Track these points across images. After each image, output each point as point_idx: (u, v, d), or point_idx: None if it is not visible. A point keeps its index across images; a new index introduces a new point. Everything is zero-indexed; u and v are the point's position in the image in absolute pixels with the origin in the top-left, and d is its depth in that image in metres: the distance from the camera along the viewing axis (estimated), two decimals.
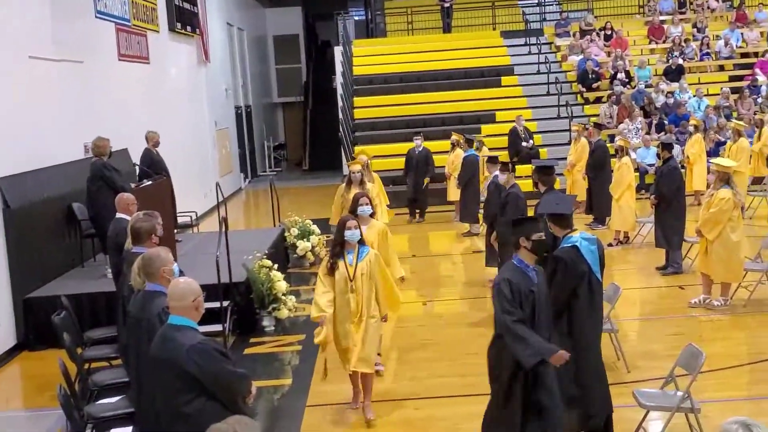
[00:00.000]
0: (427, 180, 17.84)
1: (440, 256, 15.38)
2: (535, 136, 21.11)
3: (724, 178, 10.41)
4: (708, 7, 27.14)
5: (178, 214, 13.82)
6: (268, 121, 32.07)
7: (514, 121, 20.73)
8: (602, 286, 6.79)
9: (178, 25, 18.77)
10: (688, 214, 12.89)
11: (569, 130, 19.37)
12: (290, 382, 9.11)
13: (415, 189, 18.08)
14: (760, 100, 21.71)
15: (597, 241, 6.70)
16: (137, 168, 13.58)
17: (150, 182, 11.99)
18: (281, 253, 13.78)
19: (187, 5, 19.61)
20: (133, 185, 11.29)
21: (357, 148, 12.13)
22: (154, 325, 5.40)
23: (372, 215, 8.80)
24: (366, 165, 12.20)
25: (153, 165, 13.30)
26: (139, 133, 13.89)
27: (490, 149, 17.50)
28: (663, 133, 20.24)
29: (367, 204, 8.50)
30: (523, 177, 15.51)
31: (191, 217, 15.25)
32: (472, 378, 8.79)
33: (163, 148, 14.08)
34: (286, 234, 14.29)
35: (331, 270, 7.66)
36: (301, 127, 32.30)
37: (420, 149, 17.99)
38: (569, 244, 6.56)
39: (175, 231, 12.84)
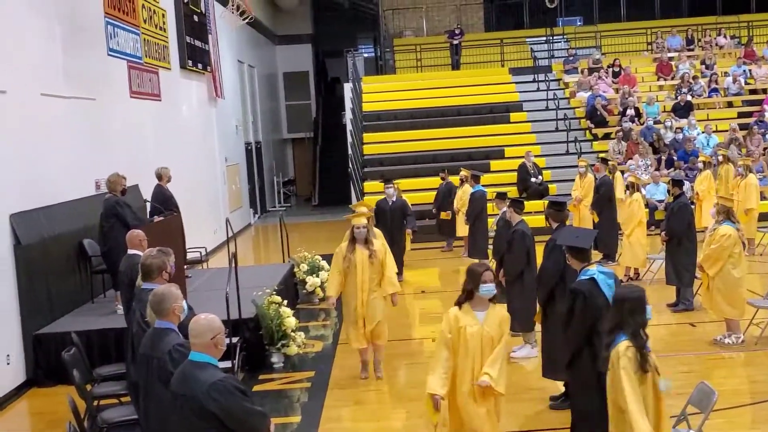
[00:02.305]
0: (408, 235, 16.12)
1: (449, 292, 15.33)
2: (544, 171, 21.16)
3: (726, 213, 10.39)
4: (716, 44, 27.29)
5: (188, 250, 13.84)
6: (277, 156, 32.21)
7: (523, 157, 20.79)
8: None
9: (190, 62, 18.94)
10: (699, 251, 12.84)
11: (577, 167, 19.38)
12: (299, 419, 9.05)
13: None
14: None
15: (614, 275, 6.70)
16: (148, 204, 13.63)
17: (161, 218, 12.03)
18: (291, 288, 13.77)
19: (198, 43, 19.81)
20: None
21: (355, 204, 11.28)
22: (164, 363, 5.40)
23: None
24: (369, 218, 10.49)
25: (165, 201, 13.34)
26: (151, 169, 13.95)
27: (499, 185, 17.51)
28: (672, 169, 20.25)
29: (490, 282, 6.59)
30: (533, 213, 15.51)
31: (201, 252, 15.28)
32: None
33: (174, 184, 14.14)
34: (296, 270, 14.29)
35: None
36: (311, 163, 32.43)
37: (393, 199, 15.68)
38: (587, 277, 6.56)
39: (185, 267, 12.85)
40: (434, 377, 6.44)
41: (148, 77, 16.24)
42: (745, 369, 9.92)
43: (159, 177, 13.78)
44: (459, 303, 6.55)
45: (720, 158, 17.37)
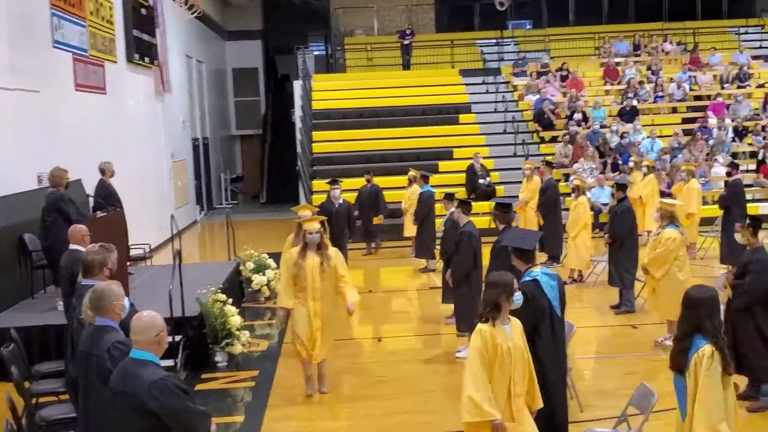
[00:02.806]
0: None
1: (396, 291, 15.36)
2: (492, 173, 21.29)
3: (668, 217, 10.54)
4: (662, 50, 27.73)
5: (131, 247, 13.65)
6: (225, 153, 31.94)
7: (471, 158, 20.89)
8: (563, 323, 6.82)
9: (137, 56, 18.68)
10: (641, 254, 13.03)
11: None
12: (242, 419, 8.98)
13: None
14: (711, 142, 22.13)
15: (558, 277, 6.75)
16: (91, 199, 13.41)
17: (104, 214, 11.84)
18: (236, 287, 13.65)
19: (145, 36, 19.54)
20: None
21: (298, 207, 11.23)
22: (103, 361, 5.32)
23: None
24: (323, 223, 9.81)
25: (107, 197, 13.15)
26: (94, 164, 13.73)
27: (447, 186, 17.58)
28: (617, 173, 20.53)
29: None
30: (480, 214, 15.59)
31: (144, 249, 15.07)
32: (426, 415, 8.78)
33: (118, 179, 13.93)
34: (242, 268, 14.17)
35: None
36: (259, 160, 32.21)
37: (340, 201, 15.82)
38: (530, 278, 6.60)
39: (128, 264, 12.67)
40: (486, 402, 5.95)
41: (94, 70, 15.98)
42: None
43: (102, 172, 13.58)
44: (488, 318, 6.08)
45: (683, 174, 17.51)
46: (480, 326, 6.08)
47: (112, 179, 13.65)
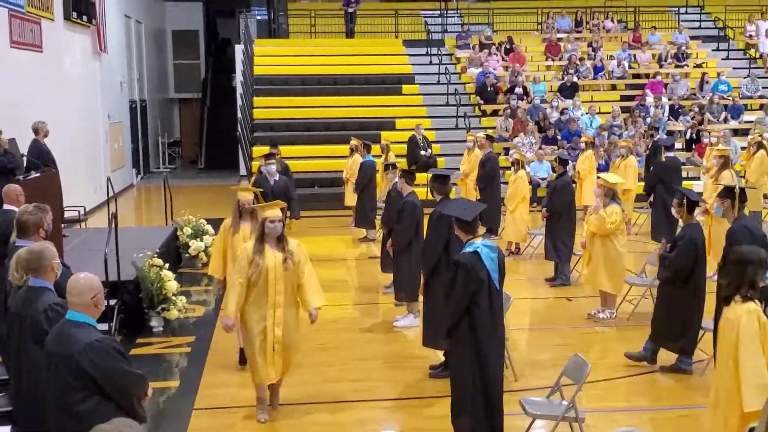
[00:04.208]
0: (292, 223, 14.48)
1: (335, 260, 15.35)
2: (433, 145, 21.34)
3: (610, 194, 10.72)
4: (603, 28, 28.02)
5: (65, 208, 13.38)
6: (163, 116, 31.44)
7: (413, 129, 20.91)
8: (501, 295, 6.90)
9: (74, 14, 18.22)
10: (577, 228, 13.24)
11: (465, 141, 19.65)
12: (178, 384, 8.93)
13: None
14: (648, 120, 22.50)
15: (498, 249, 6.81)
16: (25, 159, 13.09)
17: (38, 174, 11.57)
18: (173, 252, 13.50)
19: None
20: (20, 177, 10.88)
21: (240, 188, 9.72)
22: (39, 322, 5.23)
23: None
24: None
25: (41, 157, 12.88)
26: (29, 124, 13.41)
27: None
28: (555, 147, 20.75)
29: None
30: (421, 185, 15.62)
31: (79, 211, 14.82)
32: (363, 383, 8.84)
33: (53, 140, 13.62)
34: (179, 233, 14.01)
35: None
36: (198, 125, 31.79)
37: (275, 178, 13.20)
38: (471, 250, 6.65)
39: (62, 225, 12.43)
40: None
41: (30, 27, 15.55)
42: (618, 343, 10.28)
43: (36, 131, 13.29)
44: (746, 298, 5.74)
45: (620, 151, 17.70)
46: (752, 307, 5.72)
47: (46, 139, 13.34)
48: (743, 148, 19.56)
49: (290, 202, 12.50)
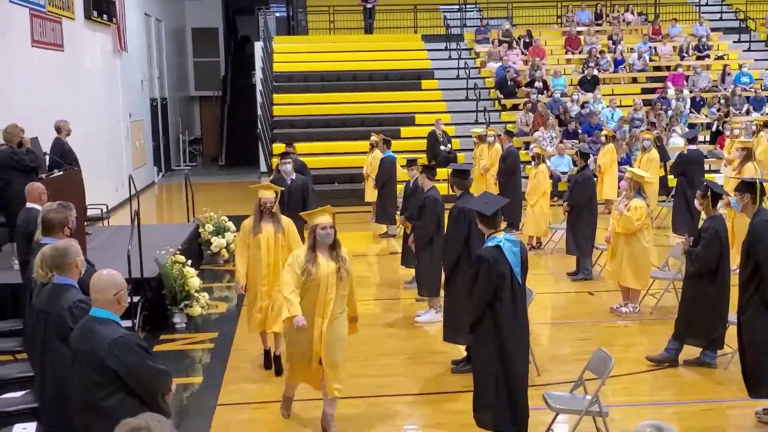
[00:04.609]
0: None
1: (356, 256, 15.32)
2: (453, 140, 21.31)
3: (636, 187, 10.66)
4: (624, 20, 27.86)
5: (88, 206, 13.47)
6: (184, 114, 31.55)
7: (433, 124, 20.88)
8: (524, 290, 6.87)
9: (95, 12, 18.31)
10: (599, 222, 13.18)
11: (486, 135, 19.65)
12: (201, 380, 8.98)
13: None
14: (669, 113, 22.35)
15: (520, 243, 6.79)
16: (47, 157, 13.18)
17: (60, 173, 11.66)
18: (195, 249, 13.56)
19: None
20: (43, 175, 10.97)
21: (261, 185, 9.17)
22: (63, 319, 5.26)
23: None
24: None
25: (64, 155, 12.94)
26: (51, 122, 13.48)
27: (409, 152, 17.55)
28: (576, 141, 20.66)
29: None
30: (441, 180, 15.61)
31: (102, 209, 14.89)
32: (384, 379, 8.85)
33: (75, 138, 13.70)
34: (201, 230, 14.07)
35: None
36: (218, 122, 31.89)
37: (292, 177, 12.38)
38: (493, 244, 6.63)
39: (85, 223, 12.51)
40: None
41: (51, 26, 15.65)
42: (641, 337, 10.25)
43: (58, 130, 13.36)
44: None
45: (644, 144, 17.56)
46: None
47: (68, 138, 13.43)
48: None
49: (305, 202, 11.93)
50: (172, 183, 25.17)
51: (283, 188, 9.69)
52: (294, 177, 12.38)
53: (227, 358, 9.52)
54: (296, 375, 7.50)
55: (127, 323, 9.22)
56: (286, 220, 8.76)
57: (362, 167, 18.15)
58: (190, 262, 10.97)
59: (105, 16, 19.21)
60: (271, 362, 9.03)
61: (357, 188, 18.70)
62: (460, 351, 9.15)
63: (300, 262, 7.10)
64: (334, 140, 22.00)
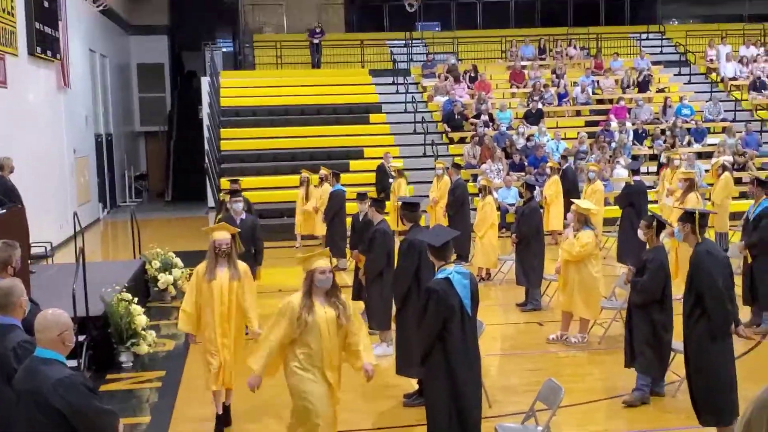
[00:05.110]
0: (259, 271, 11.61)
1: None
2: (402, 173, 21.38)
3: (582, 219, 10.80)
4: (567, 55, 28.37)
5: (32, 244, 13.22)
6: (129, 150, 31.28)
7: (381, 157, 20.98)
8: (475, 322, 6.88)
9: (38, 49, 18.11)
10: (546, 253, 13.30)
11: (434, 168, 19.78)
12: (149, 419, 8.81)
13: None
14: (613, 144, 22.75)
15: (471, 276, 6.81)
16: None
17: (3, 210, 11.43)
18: (141, 286, 13.38)
19: (48, 29, 18.96)
20: None
21: (211, 228, 8.63)
22: (8, 360, 5.13)
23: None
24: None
25: (6, 192, 12.71)
26: None
27: (358, 185, 17.60)
28: (522, 173, 20.91)
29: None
30: (389, 213, 15.65)
31: (46, 247, 14.63)
32: (341, 414, 8.74)
33: (19, 175, 13.48)
34: (147, 267, 13.89)
35: None
36: (164, 157, 31.66)
37: (242, 217, 11.46)
38: (442, 276, 6.65)
39: (29, 261, 12.27)
40: None
41: None
42: (590, 367, 10.33)
43: (1, 167, 13.12)
44: None
45: (588, 175, 17.86)
46: None
47: (11, 175, 13.20)
48: (707, 171, 19.84)
49: (255, 243, 11.39)
50: (117, 219, 24.86)
51: (239, 229, 9.02)
52: (244, 216, 11.61)
53: (175, 397, 9.37)
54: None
55: (73, 363, 9.05)
56: (242, 266, 8.20)
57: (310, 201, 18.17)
58: (136, 299, 10.81)
59: (49, 53, 19.01)
60: (222, 425, 8.25)
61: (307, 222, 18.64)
62: (412, 384, 9.13)
63: (294, 309, 6.53)
64: (283, 174, 21.97)
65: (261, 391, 7.03)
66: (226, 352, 8.01)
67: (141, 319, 10.52)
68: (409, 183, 21.15)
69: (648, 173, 21.81)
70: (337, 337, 6.62)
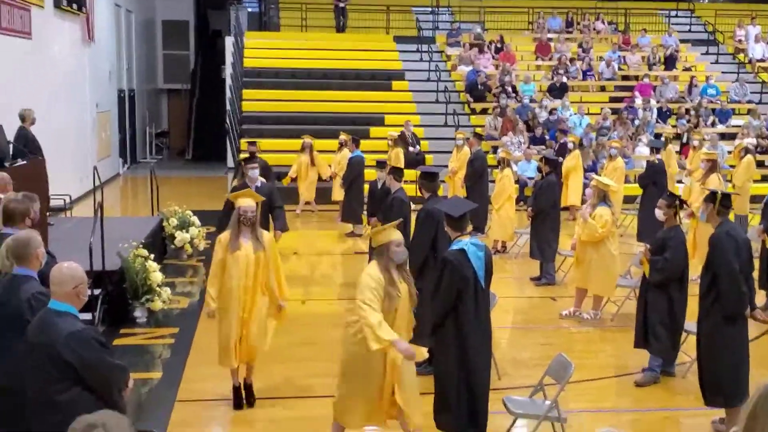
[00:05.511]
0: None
1: (322, 255, 15.34)
2: (422, 142, 21.35)
3: (601, 195, 10.74)
4: (594, 29, 28.08)
5: (51, 197, 13.30)
6: (151, 107, 31.31)
7: (402, 125, 20.90)
8: (488, 294, 6.88)
9: (64, 1, 18.10)
10: (562, 228, 13.25)
11: (455, 138, 19.70)
12: (160, 375, 8.91)
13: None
14: (636, 122, 22.57)
15: (485, 248, 6.80)
16: (11, 146, 13.00)
17: (24, 162, 11.51)
18: (158, 243, 13.46)
19: None
20: (7, 164, 10.81)
21: (237, 194, 8.03)
22: (21, 311, 5.18)
23: None
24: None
25: (27, 144, 12.78)
26: (16, 110, 13.31)
27: (378, 152, 17.58)
28: (543, 147, 20.79)
29: None
30: (408, 182, 15.61)
31: (65, 200, 14.72)
32: None
33: (40, 127, 13.55)
34: (165, 224, 13.96)
35: None
36: (186, 116, 31.67)
37: (257, 184, 10.59)
38: (457, 248, 6.64)
39: (48, 214, 12.36)
40: None
41: (20, 14, 15.44)
42: (601, 344, 10.33)
43: (22, 119, 13.20)
44: None
45: (611, 152, 17.69)
46: None
47: (32, 127, 13.26)
48: (730, 152, 19.65)
49: (274, 212, 10.90)
50: (137, 175, 24.96)
51: (263, 198, 8.63)
52: (259, 184, 10.86)
53: (187, 354, 9.45)
54: (359, 416, 6.61)
55: (87, 316, 9.13)
56: (266, 236, 7.89)
57: (330, 165, 18.16)
58: (152, 256, 10.89)
59: (74, 5, 18.99)
60: (242, 398, 8.00)
61: (325, 186, 18.66)
62: (422, 352, 9.15)
63: (382, 284, 6.25)
64: (312, 138, 21.90)
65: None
66: (244, 327, 7.73)
67: (156, 276, 10.60)
68: (429, 152, 21.13)
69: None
70: (409, 312, 6.56)
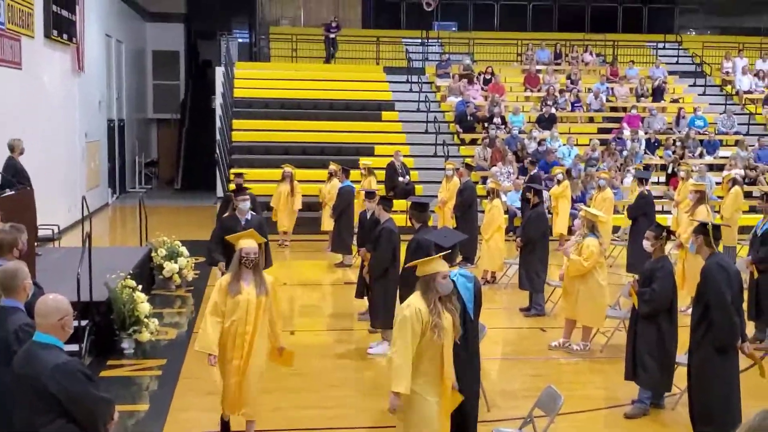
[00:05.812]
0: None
1: (311, 285, 15.30)
2: (411, 172, 21.39)
3: (590, 226, 10.76)
4: (582, 61, 28.30)
5: (39, 227, 13.25)
6: (141, 136, 31.33)
7: (392, 155, 20.96)
8: (477, 325, 6.86)
9: (54, 31, 18.15)
10: (551, 258, 13.25)
11: (444, 169, 19.74)
12: (147, 407, 8.82)
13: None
14: (624, 153, 22.69)
15: (474, 279, 6.79)
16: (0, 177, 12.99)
17: (12, 192, 11.46)
18: (146, 273, 13.40)
19: (65, 12, 19.00)
20: None
21: (241, 235, 7.67)
22: (9, 342, 5.15)
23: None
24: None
25: (17, 174, 12.75)
26: (5, 141, 13.30)
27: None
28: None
29: None
30: (398, 212, 15.65)
31: (53, 230, 14.66)
32: (336, 411, 8.77)
33: (30, 157, 13.52)
34: (153, 254, 13.91)
35: None
36: (176, 146, 31.69)
37: (248, 217, 10.99)
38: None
39: (36, 244, 12.30)
40: None
41: (10, 44, 15.47)
42: (591, 375, 10.29)
43: (11, 149, 13.18)
44: None
45: (599, 183, 17.75)
46: None
47: (22, 156, 13.25)
48: (718, 184, 19.75)
49: (265, 247, 10.08)
50: (126, 205, 24.91)
51: (264, 239, 8.33)
52: (249, 217, 10.96)
53: (175, 386, 9.37)
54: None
55: (74, 347, 9.06)
56: (269, 279, 7.47)
57: (317, 195, 18.20)
58: (140, 286, 10.82)
59: (65, 36, 19.05)
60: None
61: (314, 216, 18.65)
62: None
63: (423, 318, 5.93)
64: (293, 167, 21.93)
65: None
66: (238, 376, 7.33)
67: (144, 307, 10.52)
68: (418, 182, 21.17)
69: (657, 183, 21.75)
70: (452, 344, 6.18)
